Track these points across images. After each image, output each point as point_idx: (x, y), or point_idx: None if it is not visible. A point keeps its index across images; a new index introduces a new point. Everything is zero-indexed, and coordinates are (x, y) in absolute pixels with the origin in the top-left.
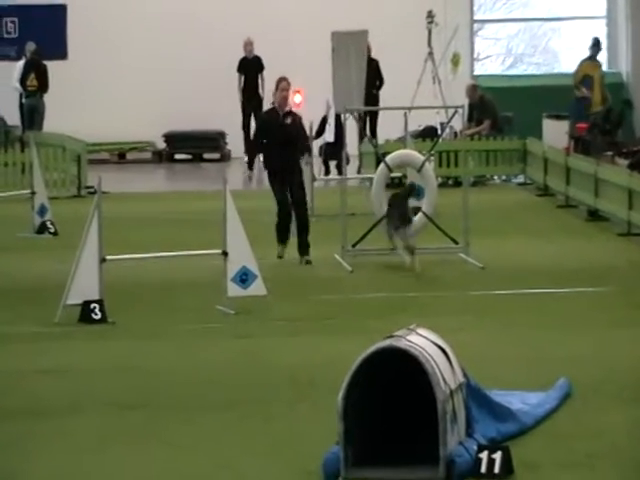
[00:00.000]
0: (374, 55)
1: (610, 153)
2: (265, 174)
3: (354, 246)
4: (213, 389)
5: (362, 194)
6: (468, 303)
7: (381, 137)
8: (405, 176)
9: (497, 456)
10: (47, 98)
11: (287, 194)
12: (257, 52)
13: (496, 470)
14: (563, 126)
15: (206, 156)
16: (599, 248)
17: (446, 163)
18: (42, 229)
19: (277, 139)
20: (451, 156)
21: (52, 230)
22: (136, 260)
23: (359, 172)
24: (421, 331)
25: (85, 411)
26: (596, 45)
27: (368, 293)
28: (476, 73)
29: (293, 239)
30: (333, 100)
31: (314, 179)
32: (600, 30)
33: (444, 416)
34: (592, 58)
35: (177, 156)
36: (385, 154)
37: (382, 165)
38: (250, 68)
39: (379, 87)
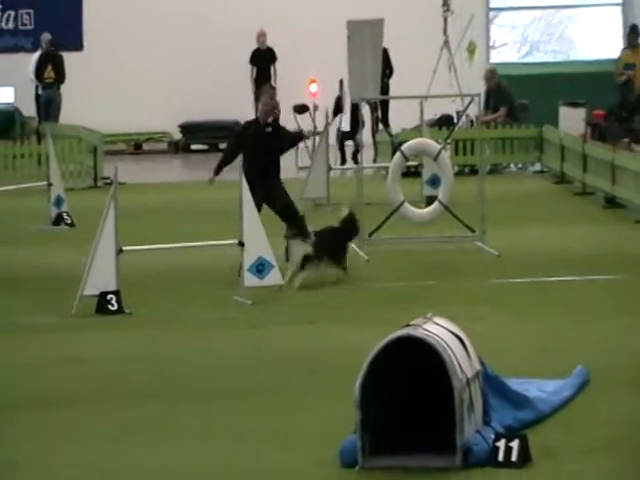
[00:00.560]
0: (384, 44)
1: (627, 140)
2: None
3: (370, 235)
4: (229, 378)
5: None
6: (484, 292)
7: (397, 126)
8: (421, 165)
9: (514, 444)
10: (63, 89)
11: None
12: (270, 43)
13: (513, 458)
14: (579, 113)
15: (222, 146)
16: (616, 235)
17: (462, 151)
18: (58, 220)
19: (253, 146)
20: (467, 144)
21: (68, 221)
22: (152, 251)
23: (375, 161)
24: (438, 320)
25: (102, 401)
26: (633, 31)
27: (384, 282)
28: (492, 61)
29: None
30: (349, 89)
31: (330, 168)
32: (616, 17)
33: (461, 404)
34: (631, 46)
35: (193, 146)
36: (401, 143)
37: (398, 154)
38: (263, 59)
39: (389, 76)
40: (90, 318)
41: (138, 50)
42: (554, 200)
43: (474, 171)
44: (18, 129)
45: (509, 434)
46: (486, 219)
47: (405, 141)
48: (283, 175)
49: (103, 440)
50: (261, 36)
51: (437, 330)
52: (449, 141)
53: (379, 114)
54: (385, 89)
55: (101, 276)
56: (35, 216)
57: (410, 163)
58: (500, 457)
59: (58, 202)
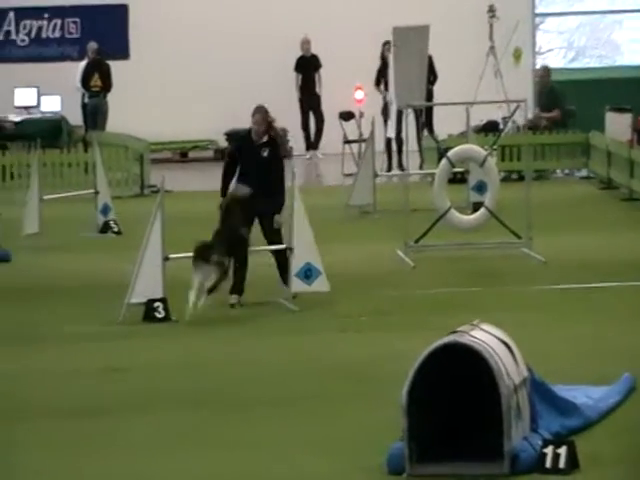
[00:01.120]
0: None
1: None
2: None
3: (417, 242)
4: (275, 386)
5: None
6: (531, 298)
7: (443, 132)
8: (467, 171)
9: (562, 451)
10: (109, 98)
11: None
12: (314, 50)
13: (561, 465)
14: (626, 119)
15: None
16: None
17: (509, 157)
18: (105, 228)
19: (249, 169)
20: (514, 150)
21: (115, 229)
22: None
23: (421, 168)
24: (484, 326)
25: (148, 410)
26: None
27: (430, 289)
28: (538, 67)
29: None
30: (394, 95)
31: (376, 175)
32: None
33: (508, 411)
34: None
35: None
36: (447, 149)
37: (444, 160)
38: (308, 66)
39: (433, 82)
40: (137, 326)
41: (184, 58)
42: (600, 206)
43: (520, 177)
44: (65, 137)
45: (557, 441)
46: (532, 225)
47: (451, 147)
48: (329, 181)
49: (148, 449)
50: (305, 43)
51: (484, 337)
52: (495, 147)
53: (424, 119)
54: (429, 95)
55: (148, 284)
56: (82, 224)
57: (456, 169)
58: (548, 464)
59: (105, 210)
